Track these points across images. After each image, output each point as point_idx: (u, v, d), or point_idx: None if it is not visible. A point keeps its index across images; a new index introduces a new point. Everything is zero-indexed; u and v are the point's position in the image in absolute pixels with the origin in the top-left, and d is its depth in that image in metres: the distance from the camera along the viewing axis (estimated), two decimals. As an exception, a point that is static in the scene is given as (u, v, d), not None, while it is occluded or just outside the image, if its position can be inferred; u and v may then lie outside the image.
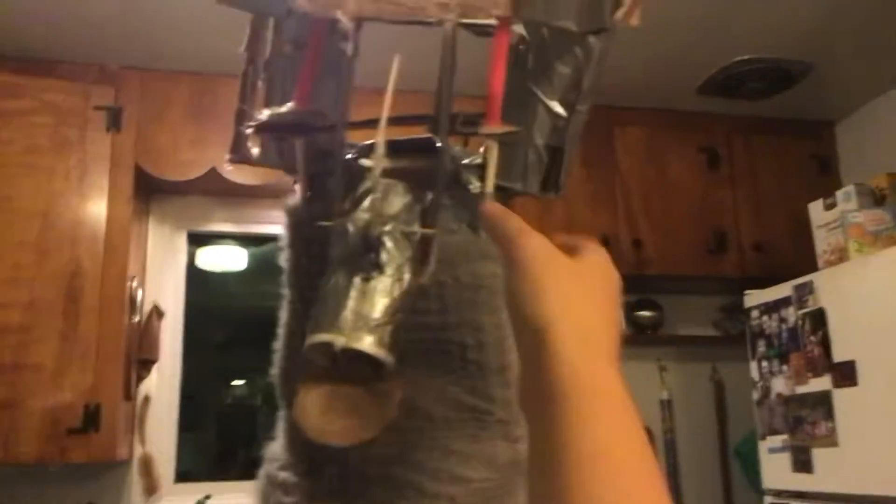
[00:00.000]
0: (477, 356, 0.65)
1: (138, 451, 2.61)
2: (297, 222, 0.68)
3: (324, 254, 0.61)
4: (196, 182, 2.58)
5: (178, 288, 2.81)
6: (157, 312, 2.69)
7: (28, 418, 2.27)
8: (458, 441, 0.63)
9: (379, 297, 0.58)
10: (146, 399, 2.66)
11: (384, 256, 0.59)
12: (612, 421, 0.44)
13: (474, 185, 0.63)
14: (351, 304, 0.58)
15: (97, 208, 2.42)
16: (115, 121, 2.46)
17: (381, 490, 0.62)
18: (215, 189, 2.71)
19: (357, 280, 0.59)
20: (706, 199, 3.02)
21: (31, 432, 2.26)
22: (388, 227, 0.59)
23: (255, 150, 0.65)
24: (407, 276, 0.60)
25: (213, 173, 2.52)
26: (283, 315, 0.69)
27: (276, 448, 0.69)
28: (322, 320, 0.58)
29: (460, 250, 0.65)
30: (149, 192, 2.73)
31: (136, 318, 2.56)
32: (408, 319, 0.60)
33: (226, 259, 2.97)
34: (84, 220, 2.41)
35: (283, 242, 0.69)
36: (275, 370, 0.69)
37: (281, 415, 0.69)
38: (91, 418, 2.31)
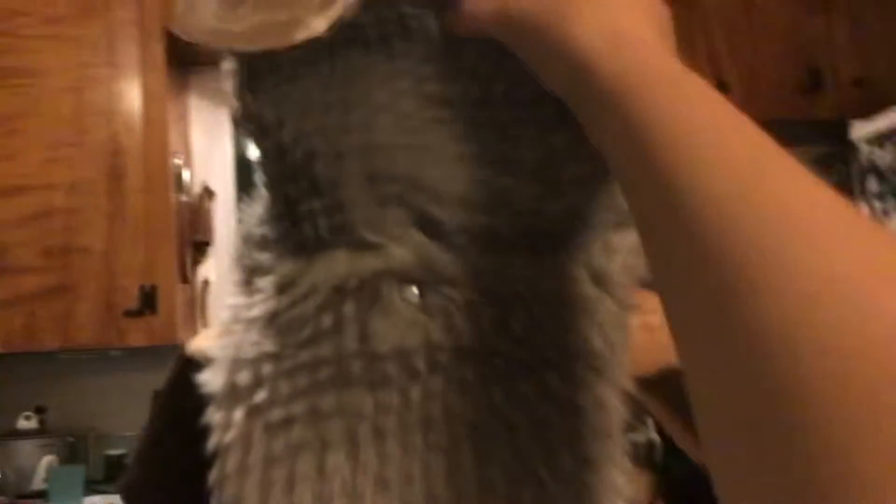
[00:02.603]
0: None
1: (201, 335, 2.52)
2: None
3: None
4: (234, 49, 2.39)
5: (227, 167, 2.66)
6: (208, 193, 2.55)
7: (83, 302, 2.18)
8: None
9: None
10: (205, 282, 2.56)
11: None
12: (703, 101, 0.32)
13: None
14: None
15: (131, 80, 2.26)
16: (139, -19, 2.27)
17: (388, 214, 0.40)
18: (255, 57, 2.52)
19: None
20: (798, 32, 2.68)
21: (88, 316, 2.18)
22: None
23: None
24: None
25: (251, 37, 2.32)
26: None
27: (255, 206, 0.47)
28: None
29: None
30: (185, 63, 2.55)
31: (185, 198, 2.43)
32: None
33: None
34: (118, 93, 2.26)
35: None
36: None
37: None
38: (147, 300, 2.21)
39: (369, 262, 0.39)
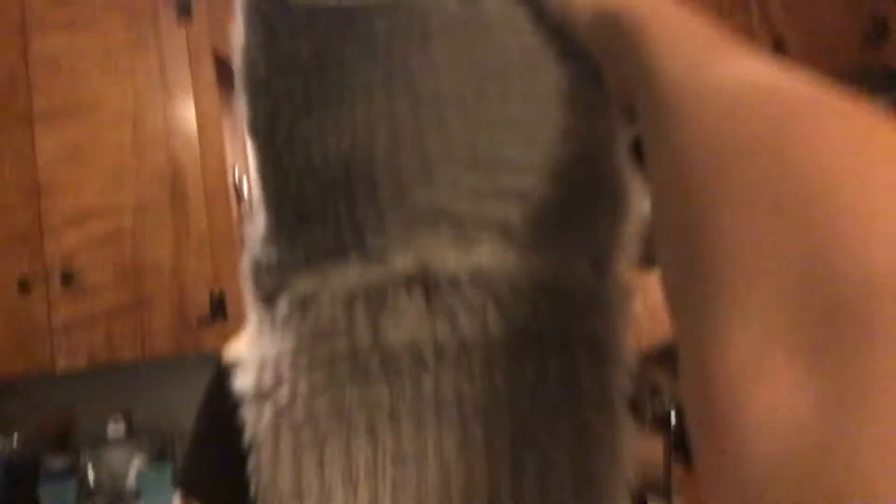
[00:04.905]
0: None
1: (271, 336, 2.65)
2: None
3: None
4: (279, 60, 2.47)
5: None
6: (267, 200, 2.67)
7: (158, 314, 2.34)
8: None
9: None
10: (271, 286, 2.67)
11: None
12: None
13: None
14: None
15: (185, 103, 2.39)
16: (183, 9, 2.38)
17: (399, 229, 0.43)
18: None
19: None
20: (857, -20, 2.53)
21: (163, 327, 2.34)
22: None
23: None
24: None
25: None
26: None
27: (255, 227, 0.51)
28: None
29: None
30: (233, 83, 2.66)
31: (246, 205, 2.55)
32: None
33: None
34: (174, 116, 2.39)
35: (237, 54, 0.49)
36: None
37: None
38: (218, 306, 2.35)
39: (376, 271, 0.43)
